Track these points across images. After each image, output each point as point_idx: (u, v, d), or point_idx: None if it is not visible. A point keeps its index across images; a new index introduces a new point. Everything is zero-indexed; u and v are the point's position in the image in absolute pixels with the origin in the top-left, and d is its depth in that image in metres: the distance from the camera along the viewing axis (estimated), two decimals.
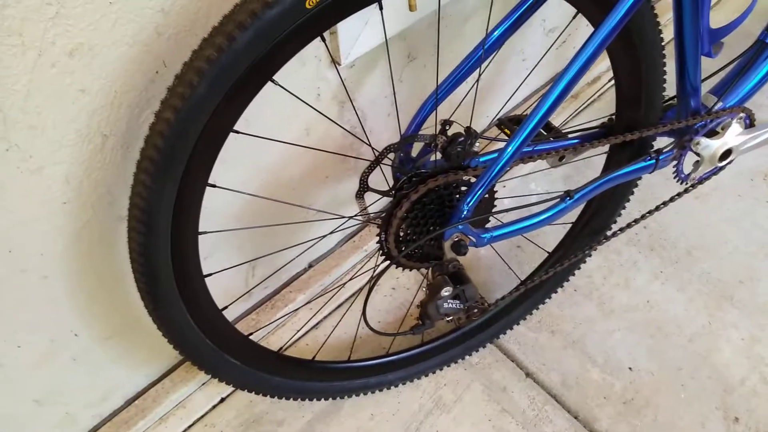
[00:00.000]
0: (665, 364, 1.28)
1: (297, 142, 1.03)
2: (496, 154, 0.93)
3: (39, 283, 0.85)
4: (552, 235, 1.37)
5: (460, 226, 0.91)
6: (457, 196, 0.94)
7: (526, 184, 1.55)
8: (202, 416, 1.19)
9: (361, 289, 1.35)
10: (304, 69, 0.96)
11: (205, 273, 0.85)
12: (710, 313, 1.34)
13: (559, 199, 0.98)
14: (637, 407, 1.23)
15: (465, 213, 0.90)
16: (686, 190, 1.16)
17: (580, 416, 1.22)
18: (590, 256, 1.26)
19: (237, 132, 0.74)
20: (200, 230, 0.80)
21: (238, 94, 0.70)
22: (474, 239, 0.93)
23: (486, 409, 1.23)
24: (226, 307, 0.91)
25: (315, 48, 0.95)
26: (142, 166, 0.70)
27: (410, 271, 1.02)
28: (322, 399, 1.16)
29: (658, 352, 1.30)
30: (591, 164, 1.58)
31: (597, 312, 1.35)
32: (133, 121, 0.79)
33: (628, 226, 1.14)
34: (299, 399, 1.11)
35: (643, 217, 1.15)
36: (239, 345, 0.96)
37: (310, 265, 1.34)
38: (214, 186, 0.77)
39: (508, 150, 0.88)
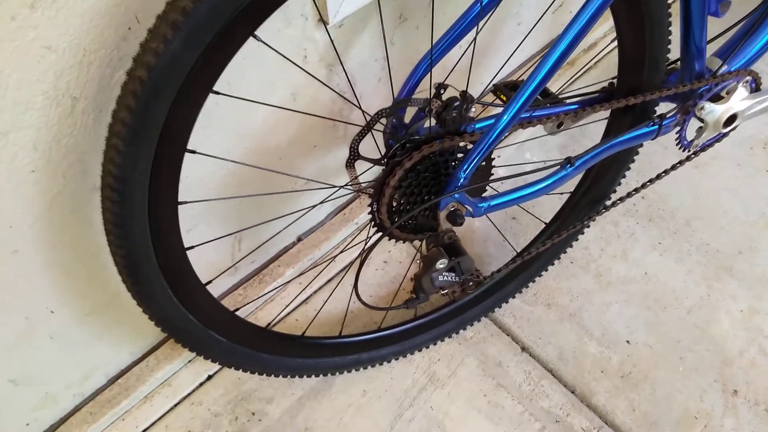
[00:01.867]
0: (663, 337, 1.26)
1: (283, 106, 0.97)
2: (493, 120, 0.88)
3: (9, 258, 0.80)
4: (548, 206, 1.34)
5: (456, 195, 0.86)
6: (453, 163, 0.89)
7: (521, 153, 1.51)
8: (189, 394, 1.15)
9: (352, 263, 1.31)
10: (290, 29, 0.90)
11: (187, 246, 0.80)
12: (709, 285, 1.32)
13: (559, 167, 0.94)
14: (634, 381, 1.20)
15: (462, 181, 0.85)
16: (688, 158, 1.12)
17: (577, 390, 1.19)
18: (588, 227, 1.23)
19: (217, 93, 0.69)
20: (180, 200, 0.74)
21: (217, 50, 0.64)
22: (470, 209, 0.89)
23: (481, 384, 1.20)
24: (210, 282, 0.87)
25: (301, 5, 0.89)
26: (115, 129, 0.65)
27: (403, 243, 0.98)
28: (313, 376, 1.12)
29: (656, 324, 1.27)
30: (587, 133, 1.54)
31: (594, 284, 1.32)
32: (105, 82, 0.73)
33: (628, 195, 1.10)
34: (289, 376, 1.08)
35: (643, 186, 1.11)
36: (225, 321, 0.92)
37: (299, 239, 1.29)
38: (193, 152, 0.72)
39: (507, 114, 0.84)
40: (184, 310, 0.83)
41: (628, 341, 1.25)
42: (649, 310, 1.29)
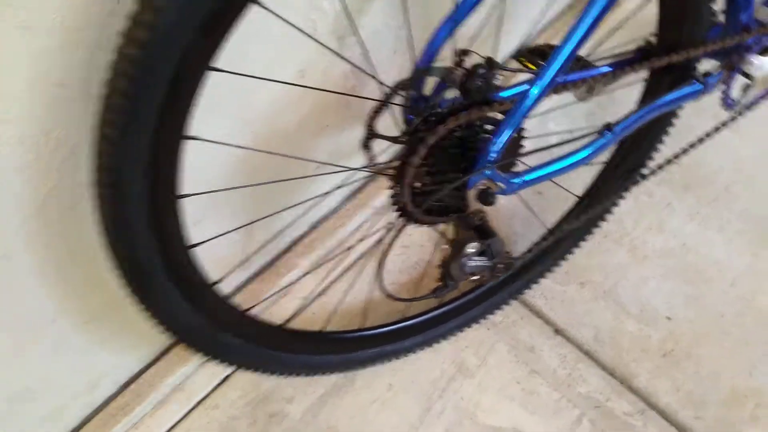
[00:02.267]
0: (706, 312, 1.18)
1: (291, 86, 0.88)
2: (523, 87, 0.80)
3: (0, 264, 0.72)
4: (576, 179, 1.24)
5: (487, 172, 0.78)
6: (482, 136, 0.81)
7: (544, 124, 1.41)
8: (204, 398, 1.08)
9: (370, 249, 1.23)
10: None
11: (193, 242, 0.72)
12: (753, 253, 1.23)
13: (598, 135, 0.85)
14: (677, 359, 1.13)
15: (493, 155, 0.77)
16: (733, 118, 1.03)
17: (617, 373, 1.12)
18: (624, 198, 1.14)
19: (218, 70, 0.60)
20: (181, 193, 0.66)
21: (216, 19, 0.56)
22: (503, 186, 0.81)
23: (514, 372, 1.13)
24: (219, 281, 0.79)
25: None
26: (105, 116, 0.57)
27: (428, 226, 0.90)
28: (336, 372, 1.05)
29: (697, 298, 1.19)
30: (614, 100, 1.43)
31: (629, 259, 1.24)
32: (94, 65, 0.64)
33: (668, 162, 1.02)
34: (309, 375, 1.00)
35: (684, 151, 1.02)
36: (238, 321, 0.85)
37: (313, 227, 1.21)
38: (194, 138, 0.63)
39: (544, 79, 0.75)
40: (192, 312, 0.75)
41: (668, 317, 1.17)
42: (689, 283, 1.21)
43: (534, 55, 0.97)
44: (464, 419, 1.08)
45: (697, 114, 1.19)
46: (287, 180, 0.90)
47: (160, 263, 0.68)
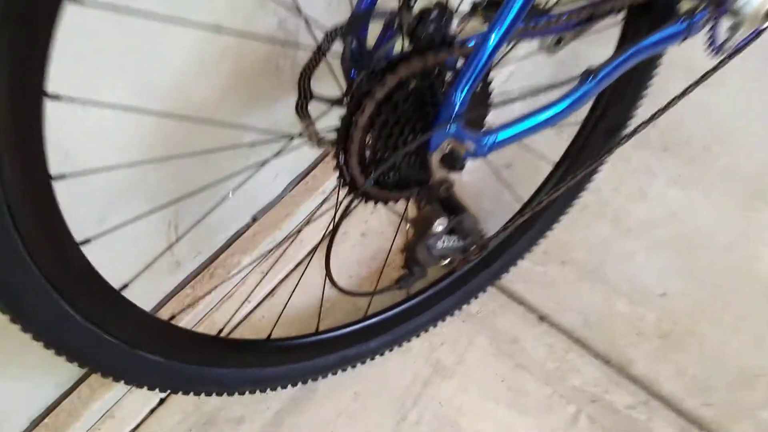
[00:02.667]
0: (701, 284, 1.06)
1: (206, 42, 0.73)
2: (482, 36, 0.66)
3: None
4: (548, 145, 1.12)
5: (452, 127, 0.64)
6: (442, 88, 0.67)
7: (504, 89, 1.28)
8: (138, 425, 0.92)
9: (323, 240, 1.08)
10: None
11: (81, 239, 0.56)
12: (743, 215, 1.13)
13: (578, 83, 0.72)
14: (677, 340, 1.01)
15: (458, 106, 0.63)
16: (721, 63, 0.92)
17: (613, 360, 1.00)
18: (606, 162, 1.02)
19: (80, 3, 0.44)
20: (54, 173, 0.50)
21: None
22: (472, 146, 0.66)
23: (496, 368, 0.99)
24: (126, 286, 0.63)
25: None
26: None
27: (384, 205, 0.75)
28: (289, 386, 0.90)
29: (690, 270, 1.08)
30: (578, 56, 1.31)
31: (612, 232, 1.12)
32: None
33: (652, 118, 0.89)
34: (258, 391, 0.85)
35: (668, 105, 0.90)
36: (157, 334, 0.68)
37: (255, 219, 1.05)
38: (57, 98, 0.47)
39: (511, 10, 0.61)
40: (92, 328, 0.59)
41: (661, 294, 1.06)
42: (679, 254, 1.09)
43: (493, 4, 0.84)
44: (445, 427, 0.94)
45: (667, 72, 1.08)
46: (202, 153, 0.74)
47: (37, 269, 0.52)
